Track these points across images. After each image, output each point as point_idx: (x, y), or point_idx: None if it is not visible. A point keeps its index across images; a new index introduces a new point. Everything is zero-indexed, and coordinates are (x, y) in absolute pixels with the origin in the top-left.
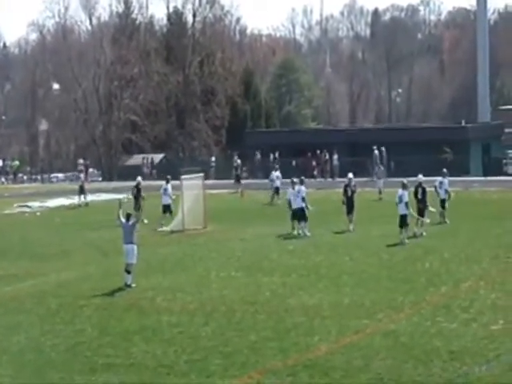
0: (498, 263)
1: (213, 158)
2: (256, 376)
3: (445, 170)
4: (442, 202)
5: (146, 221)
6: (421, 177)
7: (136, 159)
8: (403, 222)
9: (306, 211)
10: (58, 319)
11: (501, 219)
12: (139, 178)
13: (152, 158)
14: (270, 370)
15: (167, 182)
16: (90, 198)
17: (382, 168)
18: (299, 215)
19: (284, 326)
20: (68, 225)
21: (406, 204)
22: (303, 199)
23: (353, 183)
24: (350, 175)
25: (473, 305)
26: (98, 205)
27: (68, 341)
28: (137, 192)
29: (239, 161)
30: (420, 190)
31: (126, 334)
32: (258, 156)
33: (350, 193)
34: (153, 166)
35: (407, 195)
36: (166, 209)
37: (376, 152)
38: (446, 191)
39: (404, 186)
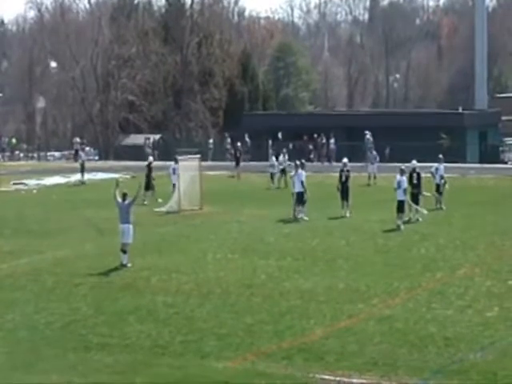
0: (494, 250)
1: (210, 140)
2: (251, 358)
3: (440, 155)
4: (438, 187)
5: (160, 200)
6: (415, 162)
7: (133, 139)
8: (401, 207)
9: (305, 195)
10: (53, 297)
11: (497, 206)
12: (151, 158)
13: (154, 138)
14: (265, 353)
15: (176, 161)
16: (86, 176)
17: (375, 153)
18: (298, 199)
19: (279, 310)
20: (65, 203)
21: (405, 190)
22: (302, 183)
23: (347, 168)
24: (345, 160)
25: (468, 291)
26: (94, 184)
27: (63, 318)
28: (148, 171)
29: (239, 144)
30: (415, 176)
31: (121, 313)
32: (247, 139)
33: (344, 178)
34: (155, 146)
35: (406, 181)
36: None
37: (368, 137)
38: (442, 177)
39: (402, 172)
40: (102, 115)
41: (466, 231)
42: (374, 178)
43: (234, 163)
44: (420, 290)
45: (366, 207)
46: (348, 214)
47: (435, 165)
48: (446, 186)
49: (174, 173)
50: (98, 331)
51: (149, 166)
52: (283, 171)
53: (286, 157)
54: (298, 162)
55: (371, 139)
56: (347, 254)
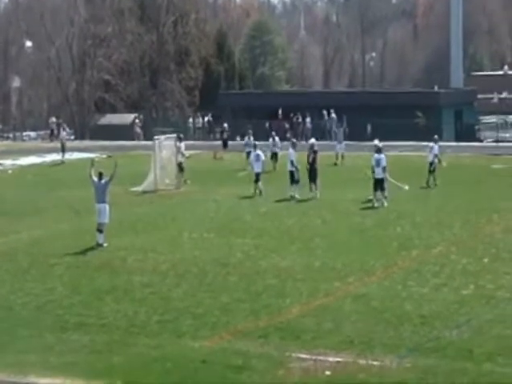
0: (470, 228)
1: (190, 120)
2: (227, 337)
3: (436, 136)
4: (430, 165)
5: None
6: (313, 140)
7: (109, 118)
8: (380, 185)
9: (295, 174)
10: (28, 277)
11: (472, 185)
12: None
13: (143, 117)
14: (241, 332)
15: (180, 140)
16: (60, 156)
17: (342, 130)
18: (290, 178)
19: (256, 288)
20: (40, 183)
21: (384, 168)
22: (292, 162)
23: (314, 149)
24: (312, 140)
25: (444, 270)
26: (70, 163)
27: (39, 299)
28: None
29: (226, 124)
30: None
31: (98, 293)
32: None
33: (311, 159)
34: (144, 126)
35: (385, 159)
36: (180, 167)
37: (334, 115)
38: (436, 155)
39: (379, 150)
40: (77, 95)
41: (442, 209)
42: (342, 157)
43: (223, 145)
44: (396, 268)
45: (339, 186)
46: (318, 195)
47: (430, 144)
48: (443, 163)
49: (177, 151)
50: (75, 311)
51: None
52: (275, 155)
53: (252, 138)
54: (294, 140)
55: (335, 118)
56: (323, 232)
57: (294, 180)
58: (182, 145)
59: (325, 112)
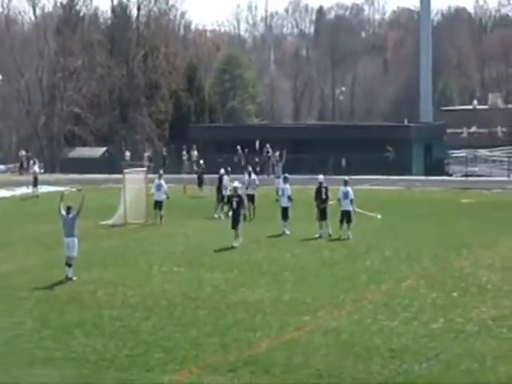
0: (439, 262)
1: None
2: (196, 371)
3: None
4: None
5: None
6: (321, 177)
7: (78, 152)
8: (347, 217)
9: (290, 210)
10: None
11: (441, 218)
12: (222, 171)
13: (150, 153)
14: (211, 366)
15: (160, 177)
16: (32, 189)
17: (280, 165)
18: (282, 214)
19: (225, 322)
20: (9, 216)
21: (352, 200)
22: (289, 198)
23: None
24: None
25: (413, 303)
26: (40, 197)
27: (6, 333)
28: (219, 183)
29: (202, 161)
30: (323, 190)
31: (67, 327)
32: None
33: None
34: (151, 160)
35: (351, 191)
36: (158, 205)
37: (271, 151)
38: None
39: (346, 183)
40: (47, 128)
41: (411, 243)
42: (277, 193)
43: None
44: (365, 302)
45: (307, 220)
46: (287, 232)
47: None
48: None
49: (158, 189)
50: (43, 345)
51: (220, 179)
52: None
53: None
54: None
55: (276, 153)
56: (293, 265)
57: (286, 216)
58: (163, 182)
59: (268, 146)
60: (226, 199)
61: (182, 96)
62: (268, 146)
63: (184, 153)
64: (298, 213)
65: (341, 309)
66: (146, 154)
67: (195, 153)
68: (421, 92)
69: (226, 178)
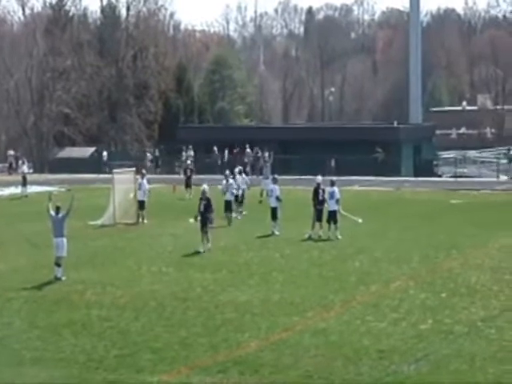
0: (428, 263)
1: (148, 154)
2: (185, 371)
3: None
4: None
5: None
6: (319, 177)
7: (68, 152)
8: (333, 218)
9: (279, 210)
10: None
11: (430, 219)
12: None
13: (155, 151)
14: (200, 366)
15: (143, 176)
16: (21, 189)
17: (269, 166)
18: (272, 214)
19: (214, 323)
20: None
21: (337, 201)
22: (277, 198)
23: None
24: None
25: (402, 304)
26: (29, 197)
27: None
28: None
29: (189, 162)
30: (320, 192)
31: (56, 327)
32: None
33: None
34: (157, 159)
35: (338, 192)
36: (140, 204)
37: (260, 152)
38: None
39: (333, 183)
40: (36, 128)
41: (400, 244)
42: (262, 195)
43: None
44: (355, 303)
45: (297, 220)
46: (277, 232)
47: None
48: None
49: (139, 188)
50: (32, 345)
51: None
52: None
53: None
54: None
55: (266, 154)
56: (282, 266)
57: (275, 216)
58: (145, 181)
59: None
60: (239, 199)
61: (171, 96)
62: (257, 148)
63: (183, 153)
64: (288, 213)
65: (330, 310)
66: (149, 154)
67: (191, 153)
68: (410, 93)
69: (238, 177)
